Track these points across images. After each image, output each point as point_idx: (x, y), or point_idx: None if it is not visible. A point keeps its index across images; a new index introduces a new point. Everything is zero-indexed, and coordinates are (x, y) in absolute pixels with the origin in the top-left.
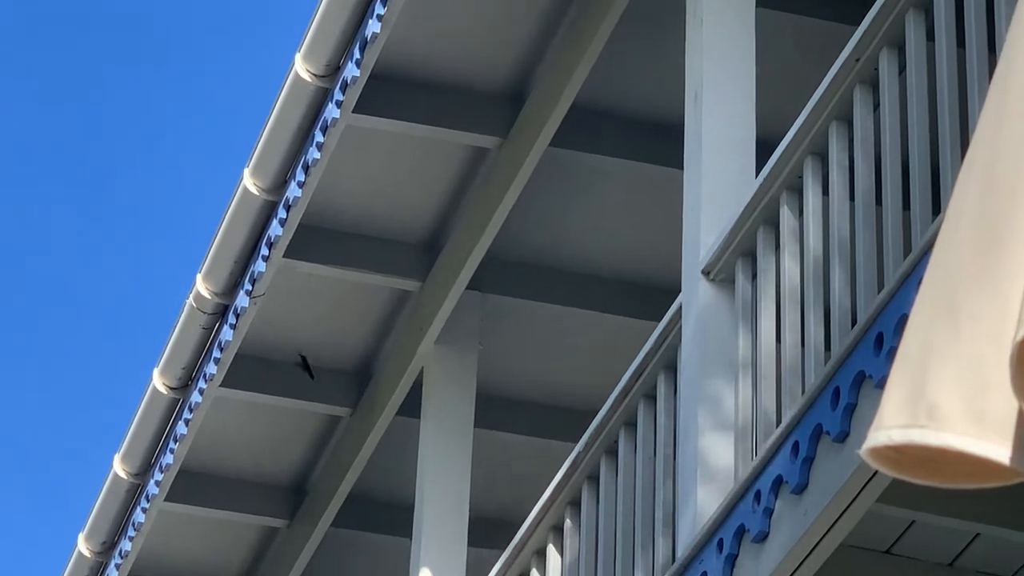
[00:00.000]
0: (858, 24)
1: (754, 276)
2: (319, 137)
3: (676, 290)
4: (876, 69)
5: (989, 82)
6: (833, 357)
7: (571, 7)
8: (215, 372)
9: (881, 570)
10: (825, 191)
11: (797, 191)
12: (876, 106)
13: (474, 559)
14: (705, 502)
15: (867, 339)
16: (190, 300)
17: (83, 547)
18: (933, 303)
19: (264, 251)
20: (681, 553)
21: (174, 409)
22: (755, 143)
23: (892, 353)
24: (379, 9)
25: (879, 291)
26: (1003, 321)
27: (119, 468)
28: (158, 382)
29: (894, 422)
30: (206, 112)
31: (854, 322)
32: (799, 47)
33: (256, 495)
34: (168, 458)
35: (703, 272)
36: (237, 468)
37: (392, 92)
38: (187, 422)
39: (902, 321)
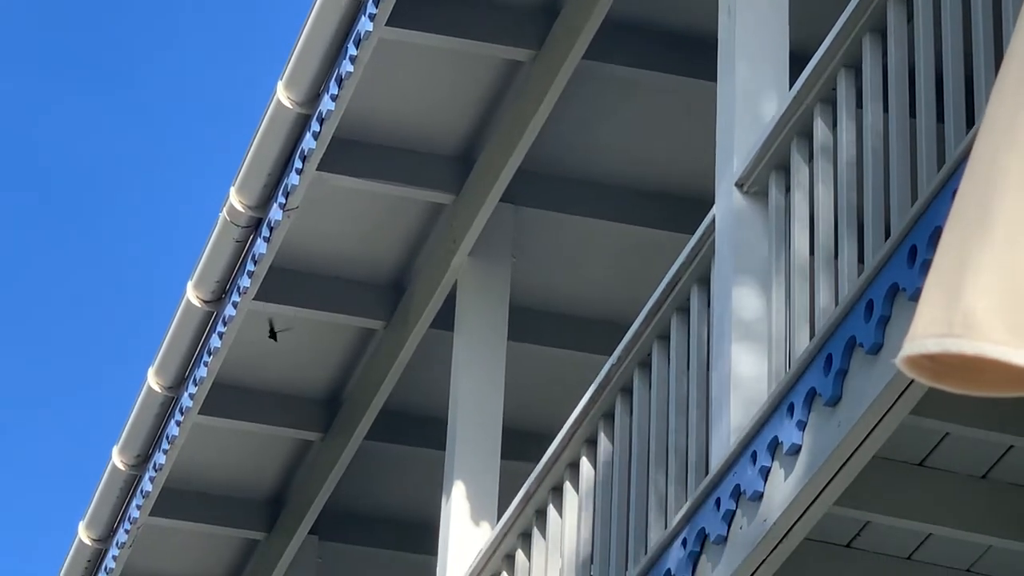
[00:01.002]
0: None
1: (787, 189)
2: (352, 50)
3: (709, 203)
4: None
5: None
6: (866, 269)
7: None
8: (248, 285)
9: (915, 482)
10: (859, 103)
11: (831, 104)
12: (910, 18)
13: (507, 471)
14: (738, 415)
15: (901, 251)
16: (223, 214)
17: (117, 460)
18: (969, 213)
19: (297, 164)
20: (714, 465)
21: (208, 322)
22: (788, 56)
23: (926, 265)
24: None
25: (912, 203)
26: None
27: (153, 382)
28: (192, 296)
29: (929, 331)
30: (240, 26)
31: (887, 235)
32: None
33: (290, 408)
34: (202, 371)
35: (736, 185)
36: (271, 381)
37: (425, 5)
38: (221, 335)
39: (936, 234)
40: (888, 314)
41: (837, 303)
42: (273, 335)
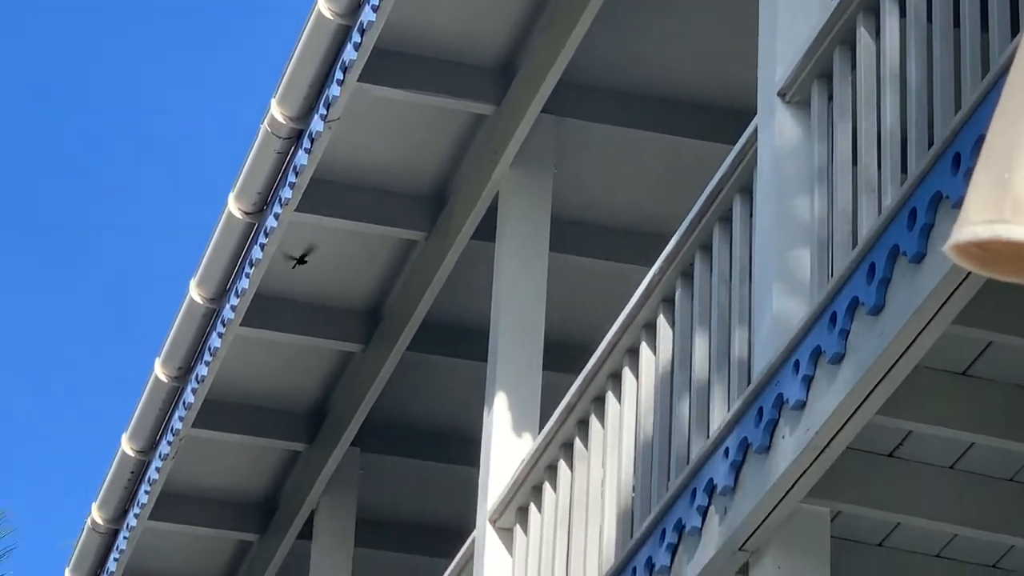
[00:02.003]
0: None
1: (830, 98)
2: None
3: (752, 112)
4: None
5: None
6: (910, 178)
7: None
8: (290, 196)
9: (957, 392)
10: (902, 12)
11: (874, 12)
12: None
13: (549, 383)
14: (781, 324)
15: (944, 159)
16: (264, 125)
17: (160, 372)
18: (1017, 101)
19: (339, 75)
20: (757, 374)
21: (249, 234)
22: None
23: (969, 174)
24: None
25: (956, 112)
26: None
27: (195, 293)
28: (234, 207)
29: (979, 218)
30: None
31: (931, 143)
32: None
33: (331, 320)
34: (244, 283)
35: (779, 94)
36: (312, 293)
37: None
38: (262, 247)
39: (979, 142)
40: (931, 222)
41: (880, 212)
42: (300, 260)
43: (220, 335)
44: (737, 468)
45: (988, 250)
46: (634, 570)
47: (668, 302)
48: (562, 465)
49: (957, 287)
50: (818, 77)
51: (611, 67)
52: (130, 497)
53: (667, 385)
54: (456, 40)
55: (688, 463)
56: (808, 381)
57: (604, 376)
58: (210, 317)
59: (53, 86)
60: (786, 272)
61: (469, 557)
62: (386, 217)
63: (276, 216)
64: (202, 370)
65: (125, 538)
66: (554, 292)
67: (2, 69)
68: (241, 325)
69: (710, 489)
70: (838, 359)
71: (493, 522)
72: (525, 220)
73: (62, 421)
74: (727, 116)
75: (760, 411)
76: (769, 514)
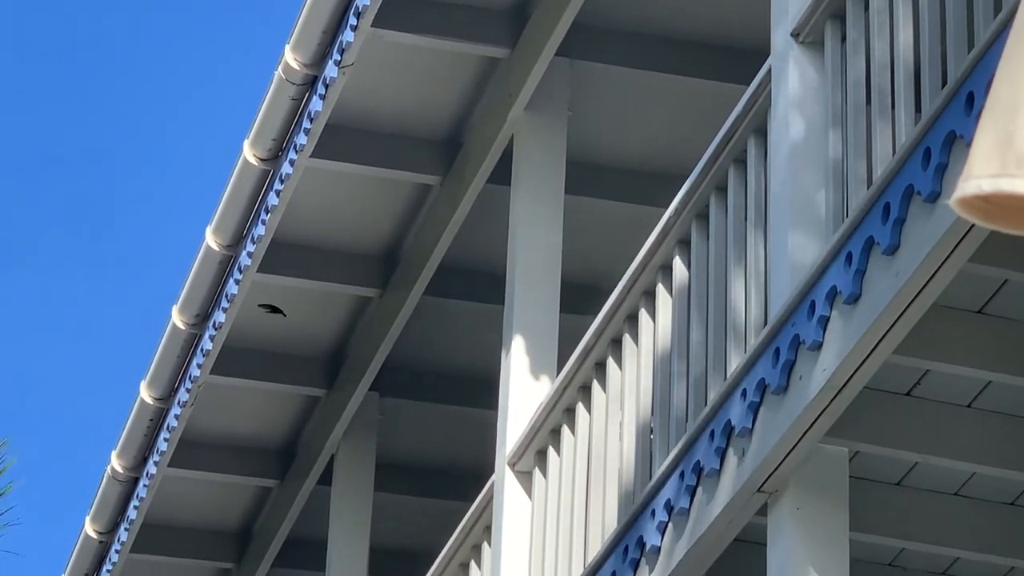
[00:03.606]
0: None
1: (843, 38)
2: None
3: (765, 53)
4: None
5: None
6: (923, 117)
7: None
8: (305, 143)
9: (974, 330)
10: None
11: None
12: None
13: (567, 325)
14: (796, 265)
15: (958, 99)
16: (279, 72)
17: (177, 319)
18: (1021, 52)
19: (352, 21)
20: (773, 316)
21: (265, 180)
22: None
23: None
24: None
25: (969, 51)
26: None
27: (212, 240)
28: (249, 154)
29: (984, 171)
30: None
31: (944, 83)
32: None
33: (348, 265)
34: (260, 229)
35: (792, 35)
36: (328, 238)
37: None
38: (278, 193)
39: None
40: (946, 161)
41: (894, 151)
42: (275, 310)
43: (237, 282)
44: (755, 409)
45: (993, 203)
46: (653, 512)
47: (684, 244)
48: (580, 408)
49: (972, 226)
50: (831, 17)
51: (624, 9)
52: (149, 445)
53: (684, 327)
54: None
55: (706, 405)
56: (824, 322)
57: (621, 318)
58: (227, 264)
59: (73, 26)
60: (801, 213)
61: (488, 500)
62: (401, 162)
63: (291, 163)
64: (219, 317)
65: (145, 486)
66: (570, 234)
67: (27, 5)
68: (258, 272)
69: (728, 431)
70: (854, 299)
71: (512, 465)
72: (540, 163)
73: (80, 370)
74: (741, 56)
75: (777, 352)
76: (787, 455)
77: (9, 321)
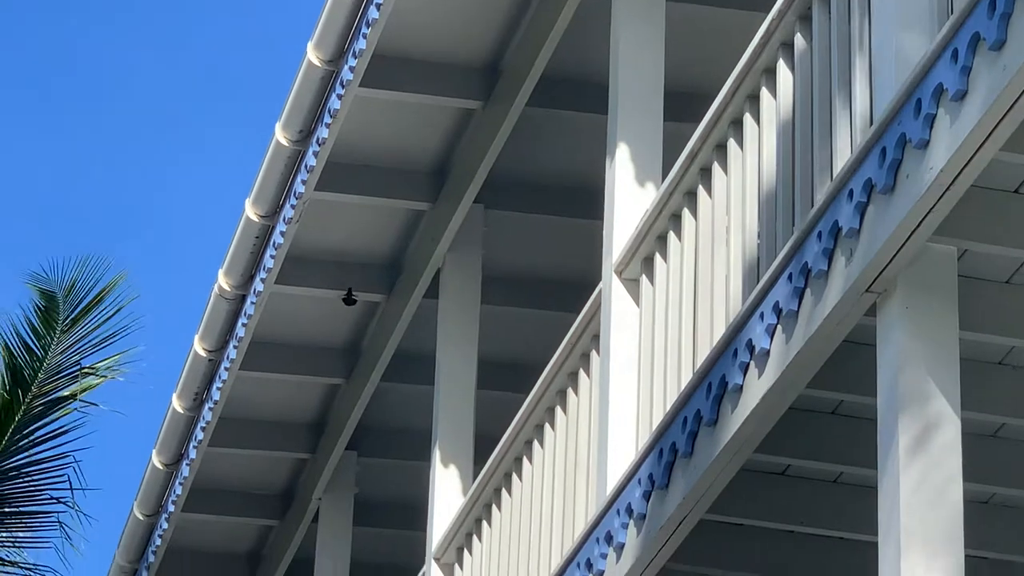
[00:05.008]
0: None
1: None
2: None
3: None
4: None
5: None
6: None
7: None
8: None
9: None
10: None
11: None
12: None
13: (670, 132)
14: (902, 63)
15: None
16: None
17: (281, 136)
18: None
19: None
20: (879, 115)
21: None
22: None
23: None
24: None
25: None
26: None
27: (312, 56)
28: None
29: None
30: None
31: None
32: None
33: (450, 77)
34: (361, 43)
35: None
36: (430, 51)
37: None
38: (378, 6)
39: None
40: None
41: None
42: (348, 299)
43: (339, 96)
44: (862, 209)
45: None
46: (762, 315)
47: (787, 46)
48: (686, 213)
49: None
50: None
51: None
52: (256, 262)
53: (789, 130)
54: None
55: (812, 206)
56: (931, 119)
57: (725, 123)
58: (328, 79)
59: None
60: (906, 9)
61: (596, 309)
62: None
63: None
64: (323, 132)
65: (252, 303)
66: (672, 41)
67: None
68: (360, 86)
69: (835, 232)
70: (960, 96)
71: (619, 273)
72: None
73: (185, 189)
74: None
75: (883, 151)
76: (895, 255)
77: (120, 144)
